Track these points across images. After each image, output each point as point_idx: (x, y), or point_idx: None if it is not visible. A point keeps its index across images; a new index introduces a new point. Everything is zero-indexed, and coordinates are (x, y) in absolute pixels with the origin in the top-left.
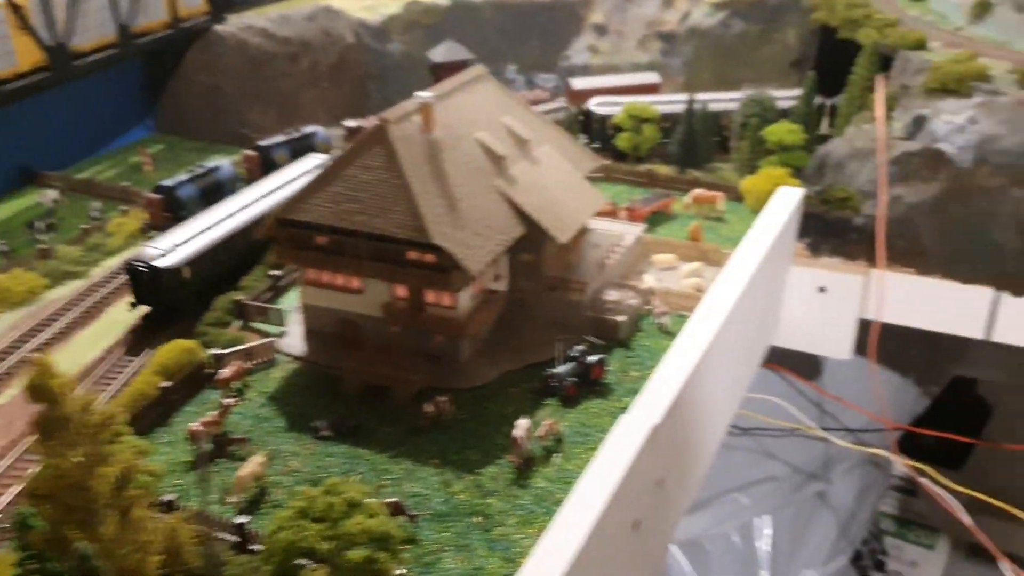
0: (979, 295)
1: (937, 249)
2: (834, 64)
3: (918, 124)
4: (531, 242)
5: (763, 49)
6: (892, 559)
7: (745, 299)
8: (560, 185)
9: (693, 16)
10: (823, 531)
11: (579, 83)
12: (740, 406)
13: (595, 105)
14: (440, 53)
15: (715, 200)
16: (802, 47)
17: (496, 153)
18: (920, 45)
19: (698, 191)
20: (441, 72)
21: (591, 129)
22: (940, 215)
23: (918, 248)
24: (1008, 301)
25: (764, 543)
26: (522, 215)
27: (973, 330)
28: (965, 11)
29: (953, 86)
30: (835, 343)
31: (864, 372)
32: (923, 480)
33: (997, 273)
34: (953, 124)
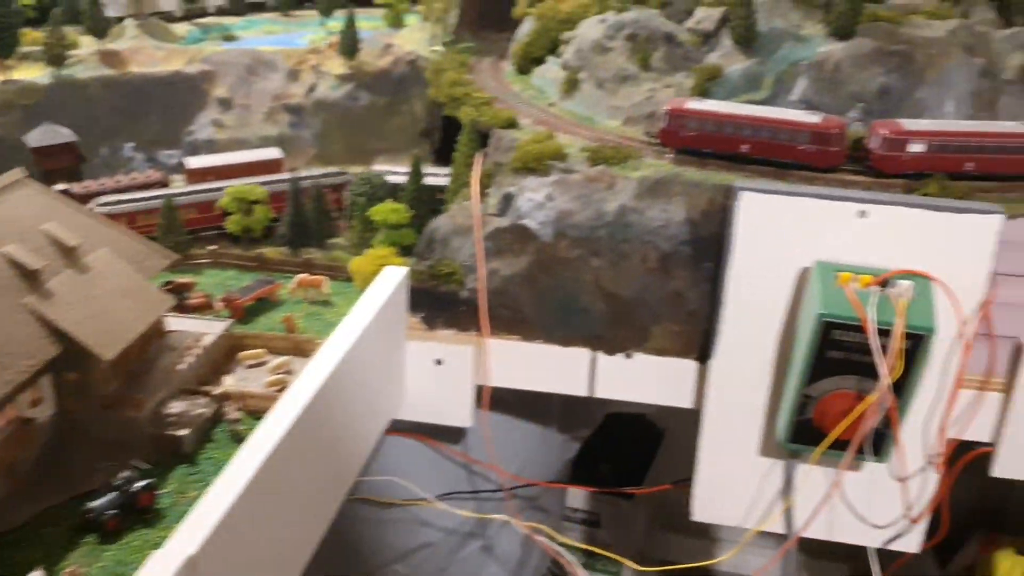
0: (578, 356)
1: (536, 316)
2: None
3: (507, 201)
4: (78, 359)
5: (393, 120)
6: None
7: (336, 387)
8: (114, 292)
9: (319, 89)
10: None
11: (195, 162)
12: (370, 482)
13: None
14: (36, 137)
15: (319, 284)
16: (429, 118)
17: (27, 267)
18: (511, 124)
19: (302, 276)
20: (43, 156)
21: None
22: (533, 285)
23: (520, 317)
24: (603, 360)
25: None
26: (61, 332)
27: (577, 388)
28: (557, 87)
29: (533, 164)
30: (456, 411)
31: (511, 433)
32: (539, 538)
33: (590, 335)
34: (534, 201)
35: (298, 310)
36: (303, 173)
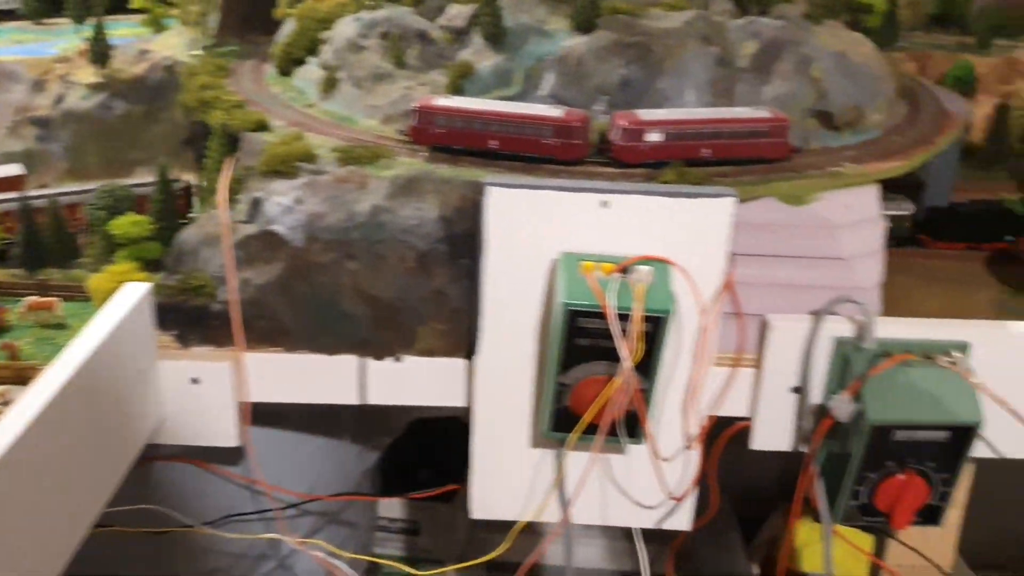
0: (345, 363)
1: (296, 326)
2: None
3: (255, 206)
4: None
5: (153, 129)
6: None
7: (61, 413)
8: None
9: (68, 99)
10: None
11: None
12: (141, 511)
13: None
14: None
15: (52, 306)
16: (191, 125)
17: None
18: (262, 126)
19: (32, 298)
20: None
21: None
22: (289, 294)
23: (280, 327)
24: (373, 365)
25: None
26: None
27: (348, 397)
28: (317, 88)
29: (280, 167)
30: (219, 431)
31: (298, 449)
32: (314, 552)
33: (356, 341)
34: (282, 205)
35: (28, 335)
36: (34, 192)
